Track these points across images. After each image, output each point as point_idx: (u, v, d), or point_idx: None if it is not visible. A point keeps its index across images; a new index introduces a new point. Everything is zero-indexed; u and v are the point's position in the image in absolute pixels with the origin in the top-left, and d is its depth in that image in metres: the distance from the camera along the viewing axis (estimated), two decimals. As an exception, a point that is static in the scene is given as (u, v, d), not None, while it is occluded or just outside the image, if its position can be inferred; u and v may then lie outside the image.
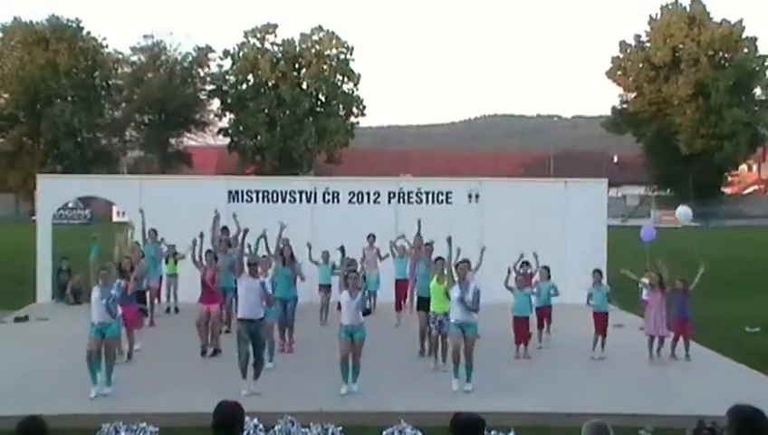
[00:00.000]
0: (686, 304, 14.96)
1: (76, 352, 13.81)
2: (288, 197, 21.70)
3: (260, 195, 21.69)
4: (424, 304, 14.87)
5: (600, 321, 15.05)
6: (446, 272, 13.31)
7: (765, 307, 21.13)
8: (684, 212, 16.06)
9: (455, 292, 12.69)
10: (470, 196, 21.70)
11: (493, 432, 10.16)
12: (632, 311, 18.60)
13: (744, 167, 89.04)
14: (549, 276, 15.78)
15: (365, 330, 12.64)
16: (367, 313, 13.31)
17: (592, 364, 14.58)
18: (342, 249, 17.16)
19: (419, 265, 15.83)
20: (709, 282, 16.73)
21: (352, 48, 75.98)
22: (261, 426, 10.74)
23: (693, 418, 10.05)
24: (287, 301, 15.46)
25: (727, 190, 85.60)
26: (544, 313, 15.88)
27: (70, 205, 53.12)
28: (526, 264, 15.74)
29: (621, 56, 79.43)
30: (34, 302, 21.11)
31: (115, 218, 59.08)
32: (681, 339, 14.84)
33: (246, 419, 10.62)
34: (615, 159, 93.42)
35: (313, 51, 74.68)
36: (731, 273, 28.40)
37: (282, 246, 15.79)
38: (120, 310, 12.96)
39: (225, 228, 18.33)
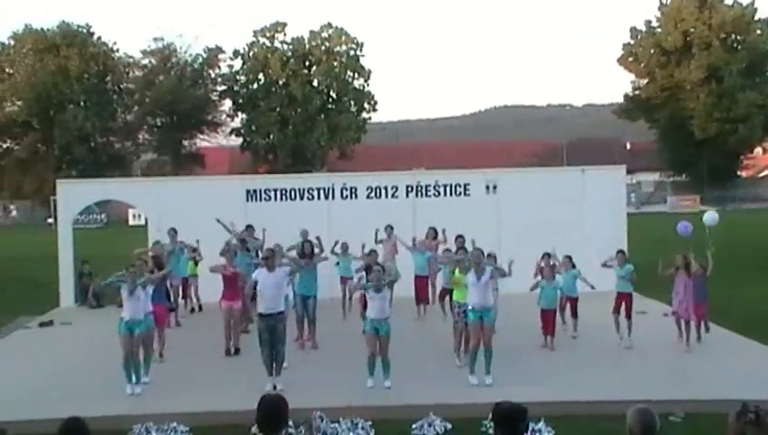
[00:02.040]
0: (704, 288, 14.88)
1: (102, 355, 14.03)
2: (306, 194, 21.72)
3: (278, 193, 21.72)
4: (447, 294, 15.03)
5: (624, 301, 14.94)
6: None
7: (787, 289, 21.07)
8: (711, 217, 15.96)
9: (470, 277, 12.72)
10: (488, 187, 21.67)
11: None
12: (654, 297, 18.52)
13: (758, 150, 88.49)
14: (573, 265, 15.73)
15: (390, 325, 12.69)
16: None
17: (618, 352, 14.55)
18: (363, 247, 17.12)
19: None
20: (729, 265, 16.75)
21: (362, 44, 75.94)
22: (290, 422, 10.79)
23: (722, 402, 10.05)
24: (308, 297, 15.51)
25: (743, 174, 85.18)
26: (571, 303, 15.83)
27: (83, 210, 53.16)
28: (548, 255, 15.70)
29: (632, 42, 79.04)
30: (58, 306, 21.25)
31: (131, 222, 59.58)
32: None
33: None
34: (628, 146, 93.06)
35: (323, 48, 74.65)
36: (751, 255, 28.33)
37: (304, 241, 15.90)
38: (150, 307, 13.10)
39: (249, 226, 18.56)
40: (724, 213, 54.42)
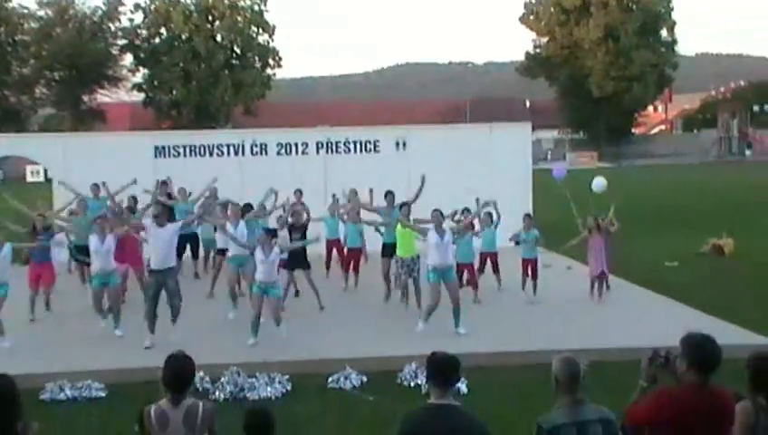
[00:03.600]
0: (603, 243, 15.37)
1: (12, 312, 13.66)
2: (216, 150, 21.53)
3: (187, 149, 21.45)
4: (389, 249, 15.07)
5: (530, 267, 15.37)
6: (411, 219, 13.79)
7: (681, 242, 22.00)
8: (599, 184, 16.41)
9: (433, 237, 12.92)
10: (397, 144, 21.89)
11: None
12: (558, 252, 19.04)
13: (650, 108, 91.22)
14: (491, 222, 15.80)
15: (279, 288, 13.02)
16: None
17: (526, 306, 14.96)
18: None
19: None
20: (626, 220, 17.35)
21: (266, -1, 74.90)
22: (207, 378, 10.85)
23: (628, 350, 10.57)
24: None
25: (636, 131, 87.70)
26: (491, 259, 16.08)
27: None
28: (467, 210, 15.77)
29: (533, 1, 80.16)
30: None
31: (30, 178, 57.84)
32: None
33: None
34: (527, 104, 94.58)
35: (227, 2, 73.30)
36: (646, 211, 29.36)
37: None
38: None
39: (164, 182, 18.34)
40: (620, 169, 56.21)
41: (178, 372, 5.35)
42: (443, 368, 5.24)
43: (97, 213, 15.22)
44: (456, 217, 15.56)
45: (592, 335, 12.56)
